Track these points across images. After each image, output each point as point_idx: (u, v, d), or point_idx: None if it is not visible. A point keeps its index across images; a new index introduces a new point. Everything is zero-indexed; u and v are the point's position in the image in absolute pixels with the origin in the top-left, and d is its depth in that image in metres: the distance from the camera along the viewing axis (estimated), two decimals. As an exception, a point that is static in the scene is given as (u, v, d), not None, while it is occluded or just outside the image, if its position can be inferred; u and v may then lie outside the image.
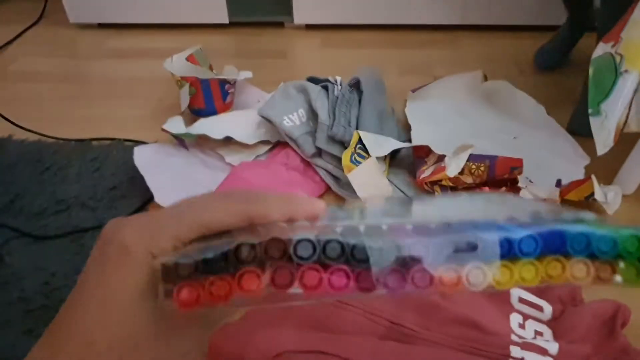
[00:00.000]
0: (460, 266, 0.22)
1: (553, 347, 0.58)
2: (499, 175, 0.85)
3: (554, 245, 0.23)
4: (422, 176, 0.91)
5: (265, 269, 0.21)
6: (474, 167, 0.86)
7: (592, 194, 0.80)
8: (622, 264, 0.23)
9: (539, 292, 0.68)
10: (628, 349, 0.61)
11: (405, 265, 0.22)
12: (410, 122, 1.08)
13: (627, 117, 0.68)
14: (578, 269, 0.23)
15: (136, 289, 0.22)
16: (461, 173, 0.86)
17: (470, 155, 0.86)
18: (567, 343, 0.60)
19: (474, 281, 0.22)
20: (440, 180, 0.88)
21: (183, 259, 0.21)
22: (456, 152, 0.89)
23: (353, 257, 0.22)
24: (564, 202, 0.84)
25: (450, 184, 0.88)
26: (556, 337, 0.62)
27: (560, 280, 0.23)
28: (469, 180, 0.86)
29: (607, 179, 0.90)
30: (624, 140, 0.77)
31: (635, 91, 0.65)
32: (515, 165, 0.84)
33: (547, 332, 0.63)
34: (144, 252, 0.22)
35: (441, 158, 0.91)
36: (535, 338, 0.61)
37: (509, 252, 0.23)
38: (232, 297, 0.21)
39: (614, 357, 0.60)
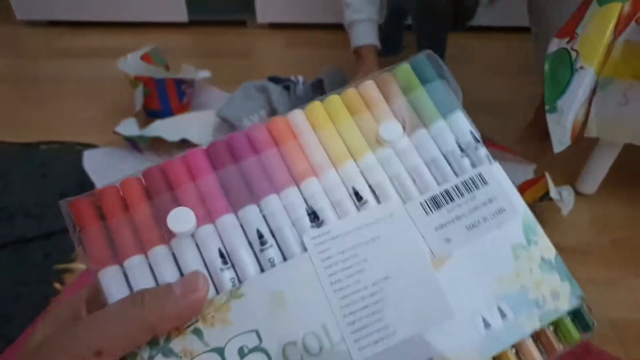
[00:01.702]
0: None
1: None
2: None
3: None
4: None
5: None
6: None
7: (547, 193, 0.80)
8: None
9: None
10: (590, 348, 0.61)
11: None
12: None
13: (586, 118, 0.69)
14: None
15: None
16: None
17: None
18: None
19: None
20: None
21: None
22: None
23: None
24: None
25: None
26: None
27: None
28: None
29: (565, 181, 0.91)
30: (583, 141, 0.78)
31: (594, 93, 0.65)
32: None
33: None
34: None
35: None
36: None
37: None
38: None
39: (576, 357, 0.60)
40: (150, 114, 1.12)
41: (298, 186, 0.25)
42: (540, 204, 0.83)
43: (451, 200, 0.24)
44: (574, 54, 0.62)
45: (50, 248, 0.85)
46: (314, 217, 0.24)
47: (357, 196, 0.25)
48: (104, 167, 0.95)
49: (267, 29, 1.60)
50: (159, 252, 0.23)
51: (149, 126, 1.03)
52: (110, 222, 0.23)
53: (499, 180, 0.25)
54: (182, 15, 1.56)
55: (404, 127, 0.26)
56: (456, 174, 0.25)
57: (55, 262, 0.82)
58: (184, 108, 1.14)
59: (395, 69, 0.27)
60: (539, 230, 0.24)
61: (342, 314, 0.22)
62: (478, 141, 0.26)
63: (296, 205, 0.24)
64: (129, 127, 1.02)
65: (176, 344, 0.21)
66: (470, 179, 0.25)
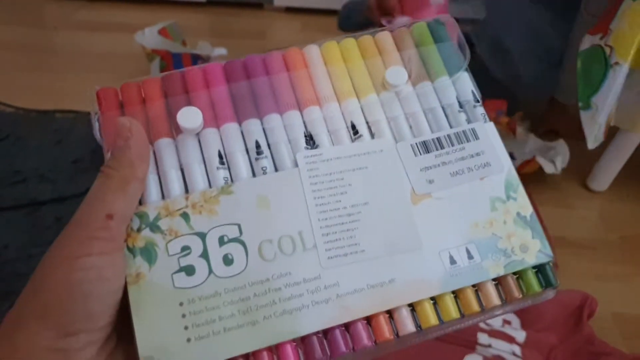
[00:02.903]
0: None
1: (520, 335, 0.61)
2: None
3: None
4: None
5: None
6: None
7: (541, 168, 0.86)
8: None
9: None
10: (593, 340, 0.62)
11: None
12: None
13: (615, 111, 0.69)
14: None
15: None
16: None
17: None
18: (535, 332, 0.62)
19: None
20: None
21: None
22: None
23: None
24: (522, 176, 0.88)
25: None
26: (524, 325, 0.64)
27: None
28: None
29: (576, 177, 0.95)
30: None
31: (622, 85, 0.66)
32: (500, 108, 0.88)
33: (515, 320, 0.65)
34: None
35: None
36: (503, 326, 0.63)
37: None
38: None
39: (578, 347, 0.62)
40: (167, 87, 1.18)
41: (300, 111, 0.28)
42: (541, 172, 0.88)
43: (441, 148, 0.28)
44: (607, 50, 0.63)
45: (62, 212, 0.90)
46: (310, 140, 0.28)
47: (354, 130, 0.28)
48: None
49: (284, 12, 1.66)
50: (164, 142, 0.27)
51: (165, 97, 1.08)
52: (127, 110, 0.27)
53: (490, 138, 0.28)
54: (200, -5, 1.62)
55: (410, 76, 0.29)
56: (451, 126, 0.28)
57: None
58: (201, 84, 1.19)
59: (412, 26, 0.31)
60: (521, 189, 0.27)
61: (319, 225, 0.25)
62: (478, 101, 0.29)
63: (295, 126, 0.28)
64: (143, 98, 1.07)
65: (164, 223, 0.25)
66: (463, 131, 0.28)
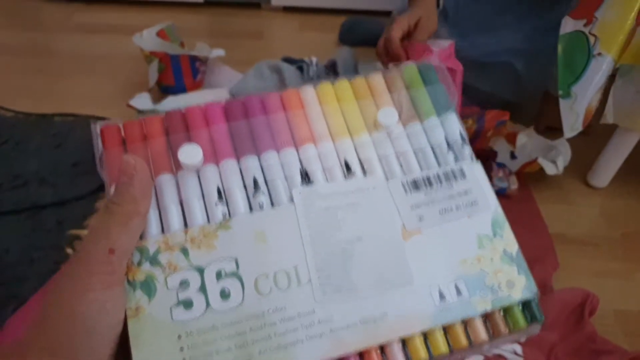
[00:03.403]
0: None
1: (521, 333, 0.62)
2: (488, 129, 0.89)
3: None
4: None
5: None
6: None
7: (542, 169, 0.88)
8: None
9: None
10: (594, 338, 0.64)
11: None
12: None
13: (600, 104, 0.71)
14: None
15: None
16: None
17: None
18: (536, 330, 0.64)
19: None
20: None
21: None
22: None
23: None
24: (525, 174, 0.91)
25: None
26: (525, 324, 0.66)
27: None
28: None
29: (576, 174, 0.97)
30: (595, 134, 0.82)
31: (613, 79, 0.68)
32: (502, 119, 0.90)
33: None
34: None
35: None
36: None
37: None
38: None
39: (580, 345, 0.63)
40: (164, 90, 1.19)
41: (297, 149, 0.30)
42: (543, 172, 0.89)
43: (430, 186, 0.29)
44: (592, 39, 0.64)
45: (63, 215, 0.91)
46: (305, 176, 0.29)
47: (347, 167, 0.29)
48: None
49: (281, 11, 1.68)
50: (165, 178, 0.28)
51: (162, 101, 1.09)
52: (130, 147, 0.28)
53: (477, 177, 0.30)
54: (198, -4, 1.63)
55: (400, 117, 0.31)
56: (439, 165, 0.30)
57: (68, 228, 0.87)
58: (197, 86, 1.20)
59: (403, 68, 0.33)
60: (507, 226, 0.29)
61: (314, 261, 0.27)
62: (464, 141, 0.31)
63: (292, 164, 0.29)
64: (142, 101, 1.08)
65: (164, 257, 0.26)
66: (452, 170, 0.30)
